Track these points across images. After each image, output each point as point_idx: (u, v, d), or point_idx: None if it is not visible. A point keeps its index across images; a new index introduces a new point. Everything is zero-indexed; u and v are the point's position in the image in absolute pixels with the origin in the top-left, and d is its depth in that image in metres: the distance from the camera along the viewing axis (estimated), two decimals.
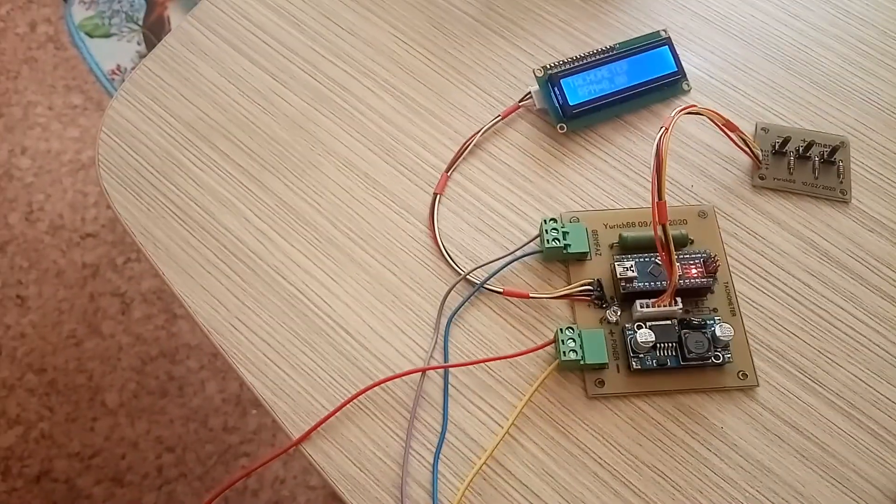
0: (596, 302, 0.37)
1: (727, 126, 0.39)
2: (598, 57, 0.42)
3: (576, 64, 0.42)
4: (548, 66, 0.42)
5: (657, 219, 0.33)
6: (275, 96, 0.43)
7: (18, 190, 1.21)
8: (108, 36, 0.93)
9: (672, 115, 0.35)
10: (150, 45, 0.88)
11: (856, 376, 0.36)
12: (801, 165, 0.41)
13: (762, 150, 0.41)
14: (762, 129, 0.42)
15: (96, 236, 1.16)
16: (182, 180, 0.41)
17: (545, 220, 0.38)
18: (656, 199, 0.33)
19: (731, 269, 0.38)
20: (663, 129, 0.34)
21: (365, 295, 0.38)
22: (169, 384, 1.07)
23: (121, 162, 0.41)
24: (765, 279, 0.39)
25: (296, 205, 0.40)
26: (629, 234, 0.38)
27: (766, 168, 0.41)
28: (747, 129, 0.42)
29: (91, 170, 1.25)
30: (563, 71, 0.42)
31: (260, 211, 0.40)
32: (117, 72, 0.86)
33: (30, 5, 1.33)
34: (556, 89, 0.41)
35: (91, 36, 0.92)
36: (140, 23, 0.92)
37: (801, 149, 0.41)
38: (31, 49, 1.29)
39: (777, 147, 0.41)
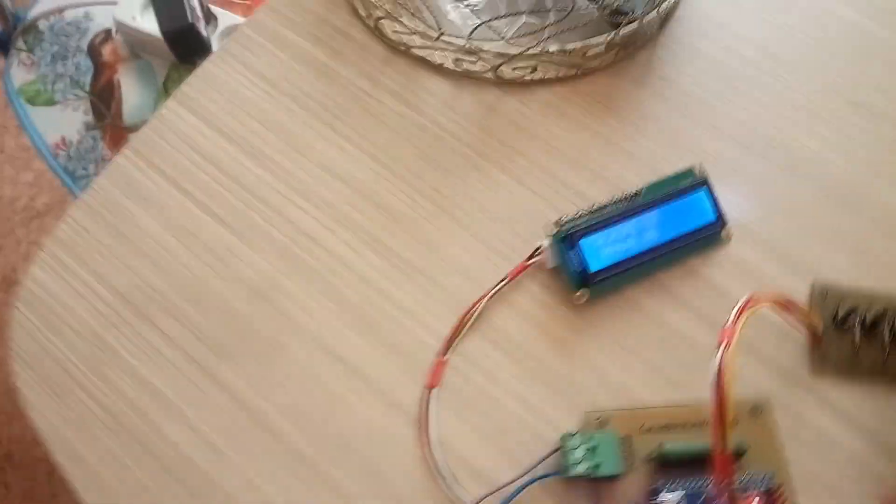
0: None
1: (786, 307, 0.31)
2: (621, 207, 0.35)
3: (595, 217, 0.35)
4: (561, 221, 0.34)
5: (721, 475, 0.25)
6: (230, 255, 0.35)
7: None
8: (52, 104, 0.84)
9: (730, 323, 0.27)
10: (98, 114, 0.79)
11: None
12: (870, 341, 0.34)
13: (822, 323, 0.34)
14: (820, 291, 0.35)
15: None
16: (112, 374, 0.33)
17: (565, 436, 0.30)
18: (720, 451, 0.25)
19: (792, 483, 0.31)
20: (724, 344, 0.26)
21: None
22: None
23: (38, 350, 0.33)
24: (834, 497, 0.31)
25: (254, 405, 0.32)
26: (673, 447, 0.31)
27: (828, 347, 0.34)
28: (798, 287, 0.35)
29: (46, 218, 1.17)
30: (579, 228, 0.34)
31: (210, 415, 0.32)
32: (62, 146, 0.77)
33: None
34: (573, 251, 0.34)
35: (33, 104, 0.82)
36: (87, 89, 0.83)
37: (868, 319, 0.34)
38: None
39: (839, 318, 0.34)
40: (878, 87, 0.40)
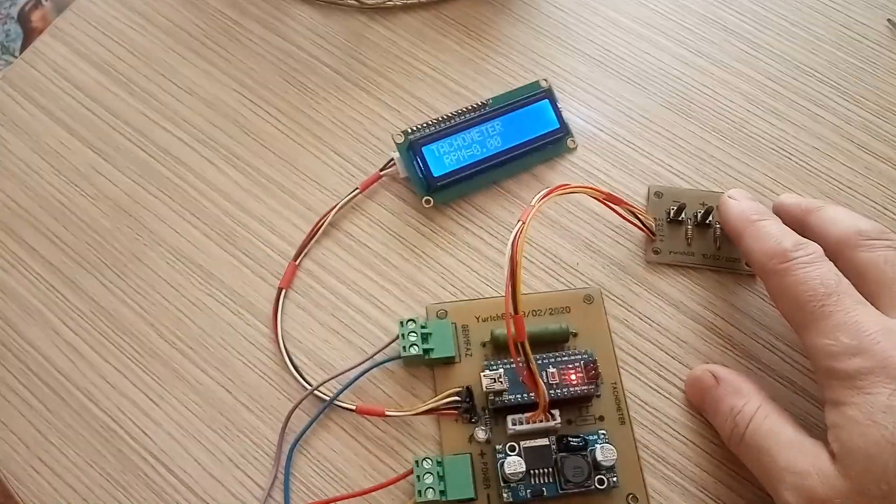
0: (464, 416, 0.32)
1: (610, 199, 0.33)
2: (467, 116, 0.37)
3: (441, 126, 0.36)
4: (408, 131, 0.36)
5: (513, 336, 0.27)
6: (96, 175, 0.37)
7: None
8: None
9: (533, 202, 0.29)
10: None
11: (760, 492, 0.31)
12: (701, 235, 0.36)
13: (656, 219, 0.36)
14: (656, 192, 0.37)
15: None
16: None
17: (402, 322, 0.32)
18: (511, 313, 0.27)
19: (619, 364, 0.33)
20: (520, 222, 0.28)
21: (193, 421, 0.32)
22: None
23: None
24: (660, 375, 0.33)
25: (114, 309, 0.34)
26: (502, 331, 0.33)
27: (661, 240, 0.36)
28: (641, 190, 0.37)
29: None
30: (424, 136, 0.36)
31: (71, 320, 0.34)
32: None
33: None
34: (417, 158, 0.36)
35: None
36: (16, 54, 0.84)
37: (699, 215, 0.36)
38: None
39: (672, 214, 0.36)
40: (730, 2, 0.42)
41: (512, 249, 0.27)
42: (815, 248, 0.30)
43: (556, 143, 0.38)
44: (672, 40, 0.41)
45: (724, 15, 0.41)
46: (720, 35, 0.41)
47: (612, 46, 0.41)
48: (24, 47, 0.78)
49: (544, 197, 0.29)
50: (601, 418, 0.32)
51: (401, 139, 0.36)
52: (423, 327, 0.32)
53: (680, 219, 0.36)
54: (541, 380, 0.28)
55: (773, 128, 0.39)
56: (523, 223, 0.28)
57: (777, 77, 0.40)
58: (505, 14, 0.42)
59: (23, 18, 0.82)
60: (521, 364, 0.28)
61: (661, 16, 0.42)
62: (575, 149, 0.38)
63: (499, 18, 0.41)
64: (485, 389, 0.31)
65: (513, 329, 0.27)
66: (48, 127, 0.38)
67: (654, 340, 0.34)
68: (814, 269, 0.29)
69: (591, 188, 0.32)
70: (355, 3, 0.41)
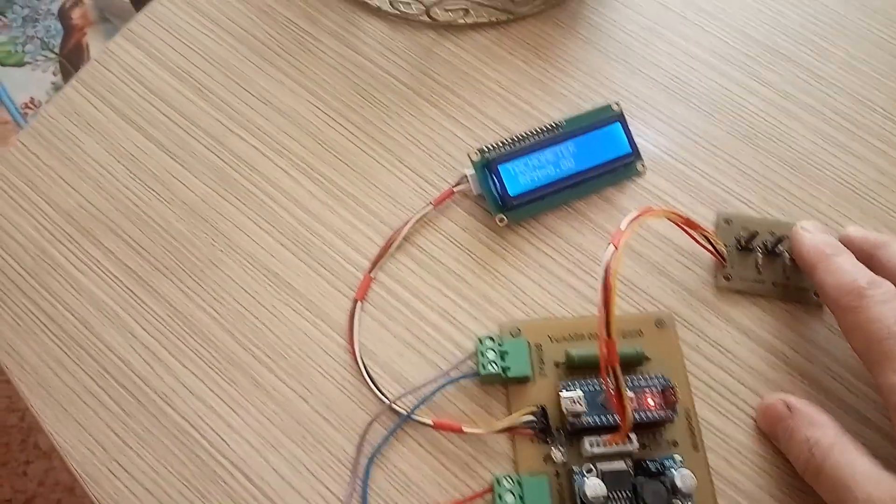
0: (540, 436, 0.32)
1: (687, 224, 0.34)
2: (541, 137, 0.37)
3: (516, 146, 0.37)
4: (484, 149, 0.37)
5: (606, 359, 0.28)
6: (171, 179, 0.37)
7: None
8: (21, 65, 0.85)
9: (623, 226, 0.29)
10: (67, 75, 0.81)
11: None
12: (771, 263, 0.36)
13: (726, 246, 0.36)
14: (725, 220, 0.37)
15: None
16: (57, 285, 0.35)
17: (480, 340, 0.32)
18: (604, 336, 0.27)
19: (692, 390, 0.33)
20: (612, 247, 0.28)
21: (271, 429, 0.32)
22: None
23: None
24: (730, 402, 0.34)
25: (191, 314, 0.34)
26: (577, 351, 0.33)
27: (732, 267, 0.36)
28: (709, 216, 0.37)
29: None
30: (501, 155, 0.36)
31: (148, 323, 0.34)
32: (31, 105, 0.78)
33: None
34: (493, 176, 0.36)
35: (3, 64, 0.84)
36: (56, 50, 0.85)
37: (769, 244, 0.36)
38: None
39: (743, 242, 0.36)
40: (792, 34, 0.43)
41: (605, 274, 0.28)
42: (889, 286, 0.30)
43: (626, 166, 0.38)
44: (737, 69, 0.41)
45: (787, 45, 0.42)
46: (783, 66, 0.42)
47: (678, 72, 0.41)
48: (64, 44, 0.79)
49: (633, 220, 0.30)
50: (675, 443, 0.32)
51: (477, 157, 0.36)
52: (499, 345, 0.33)
53: (751, 246, 0.36)
54: (629, 404, 0.29)
55: (836, 160, 0.39)
56: (616, 248, 0.28)
57: (840, 110, 0.40)
58: (572, 36, 0.42)
59: (63, 15, 0.83)
60: (610, 387, 0.28)
61: (726, 44, 0.42)
62: (644, 173, 0.38)
63: (566, 40, 0.42)
64: (565, 410, 0.31)
65: (605, 352, 0.27)
66: (123, 130, 0.38)
67: (725, 367, 0.34)
68: (888, 307, 0.29)
69: (672, 212, 0.33)
70: (427, 19, 0.41)
